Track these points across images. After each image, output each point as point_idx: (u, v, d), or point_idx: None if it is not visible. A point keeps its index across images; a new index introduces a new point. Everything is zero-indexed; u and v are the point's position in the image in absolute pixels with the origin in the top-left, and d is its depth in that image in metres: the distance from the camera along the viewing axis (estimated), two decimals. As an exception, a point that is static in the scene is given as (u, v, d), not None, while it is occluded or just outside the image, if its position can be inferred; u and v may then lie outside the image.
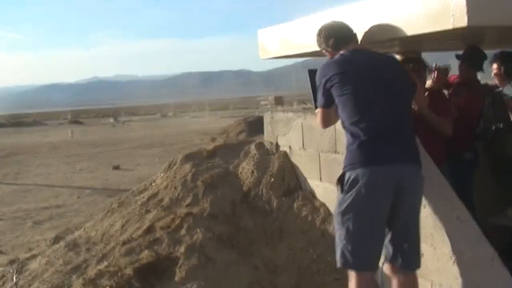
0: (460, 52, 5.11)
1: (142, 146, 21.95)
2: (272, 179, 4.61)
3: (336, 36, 3.52)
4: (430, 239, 3.34)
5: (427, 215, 3.34)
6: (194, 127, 31.00)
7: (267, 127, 5.05)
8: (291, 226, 4.32)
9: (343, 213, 3.18)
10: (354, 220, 3.13)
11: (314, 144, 4.37)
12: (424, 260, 3.36)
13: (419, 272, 3.38)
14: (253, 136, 8.07)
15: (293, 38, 4.53)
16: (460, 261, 3.17)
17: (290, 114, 4.70)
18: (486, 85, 5.27)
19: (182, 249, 4.10)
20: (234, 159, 5.15)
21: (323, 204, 4.32)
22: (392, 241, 3.24)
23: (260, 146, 5.02)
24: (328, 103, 3.39)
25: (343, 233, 3.17)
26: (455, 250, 3.19)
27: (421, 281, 3.40)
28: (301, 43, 4.43)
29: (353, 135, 3.25)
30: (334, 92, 3.29)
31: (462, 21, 3.04)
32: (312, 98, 4.12)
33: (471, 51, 5.05)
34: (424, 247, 3.35)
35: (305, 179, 4.53)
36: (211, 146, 5.54)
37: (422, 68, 4.59)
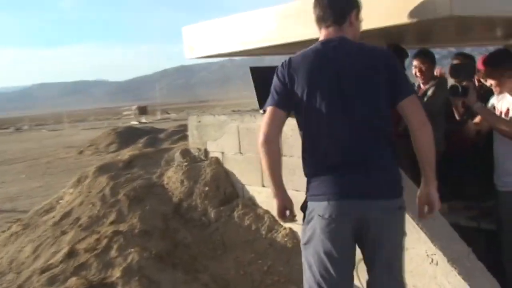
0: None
1: (2, 162, 20.17)
2: (206, 188, 4.25)
3: (317, 8, 2.73)
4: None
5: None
6: (55, 140, 29.17)
7: (192, 132, 4.67)
8: (234, 237, 3.98)
9: (304, 246, 2.76)
10: (313, 254, 2.69)
11: (254, 147, 4.07)
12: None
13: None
14: (124, 147, 7.61)
15: (226, 35, 4.23)
16: (436, 261, 3.06)
17: (223, 117, 4.37)
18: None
19: (117, 272, 3.60)
20: (155, 168, 4.72)
21: (268, 212, 4.04)
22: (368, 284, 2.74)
23: (186, 153, 4.63)
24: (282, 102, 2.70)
25: (305, 266, 2.77)
26: (430, 249, 3.07)
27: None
28: (235, 40, 4.14)
29: (305, 161, 2.81)
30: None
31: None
32: (256, 98, 3.85)
33: (392, 49, 5.07)
34: (395, 249, 3.21)
35: (243, 186, 4.23)
36: (125, 156, 5.04)
37: None
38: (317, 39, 2.73)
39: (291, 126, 3.60)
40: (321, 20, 2.73)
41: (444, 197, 2.84)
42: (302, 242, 2.78)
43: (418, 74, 5.42)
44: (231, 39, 4.24)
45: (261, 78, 3.88)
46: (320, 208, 2.65)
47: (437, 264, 3.06)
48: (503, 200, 3.76)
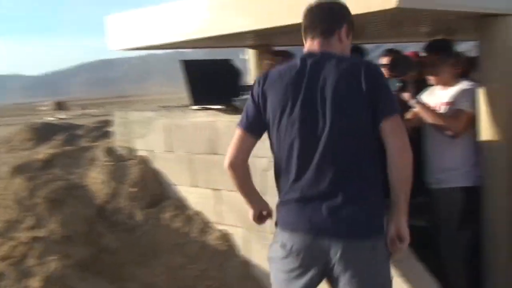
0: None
1: None
2: (133, 189, 3.99)
3: (306, 18, 2.47)
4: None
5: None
6: (-35, 138, 27.52)
7: (118, 129, 4.39)
8: (164, 240, 3.75)
9: (269, 260, 2.55)
10: (273, 275, 2.50)
11: (185, 145, 3.87)
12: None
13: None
14: (40, 144, 7.23)
15: (156, 26, 3.98)
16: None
17: (149, 114, 4.12)
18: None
19: (36, 282, 3.29)
20: (76, 168, 4.40)
21: (199, 213, 3.84)
22: None
23: (110, 151, 4.34)
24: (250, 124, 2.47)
25: (271, 277, 2.55)
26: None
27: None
28: (165, 32, 3.91)
29: (277, 183, 2.58)
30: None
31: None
32: (188, 92, 3.64)
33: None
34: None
35: (172, 186, 4.00)
36: (43, 154, 4.67)
37: None
38: (255, 31, 2.57)
39: (225, 123, 3.45)
40: (307, 30, 2.47)
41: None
42: (268, 254, 2.56)
43: None
44: (161, 30, 4.00)
45: (194, 72, 3.68)
46: (282, 236, 2.43)
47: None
48: (438, 197, 3.76)
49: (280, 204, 2.49)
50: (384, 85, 2.36)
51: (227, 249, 3.63)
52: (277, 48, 4.83)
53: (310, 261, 2.35)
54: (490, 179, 3.72)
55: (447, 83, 3.87)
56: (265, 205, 2.70)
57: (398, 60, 4.32)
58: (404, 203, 2.31)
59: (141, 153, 4.20)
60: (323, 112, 2.31)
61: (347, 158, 2.30)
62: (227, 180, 3.59)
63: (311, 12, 2.45)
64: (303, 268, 2.37)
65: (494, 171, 3.68)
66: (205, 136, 3.72)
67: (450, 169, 3.69)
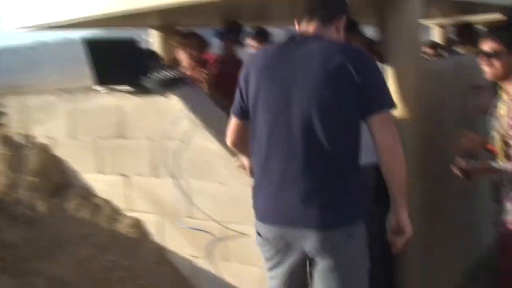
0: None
1: None
2: (33, 178, 3.71)
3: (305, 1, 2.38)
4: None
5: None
6: None
7: (13, 115, 4.06)
8: (70, 232, 3.52)
9: None
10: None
11: (90, 131, 3.65)
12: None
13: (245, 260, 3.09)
14: None
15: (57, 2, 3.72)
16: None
17: (50, 98, 3.85)
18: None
19: None
20: (-33, 159, 4.03)
21: (108, 201, 3.65)
22: None
23: (6, 140, 4.01)
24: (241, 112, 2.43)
25: None
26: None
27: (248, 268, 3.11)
28: (68, 9, 3.67)
29: (254, 167, 2.48)
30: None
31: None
32: (92, 73, 3.43)
33: (229, 26, 4.92)
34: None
35: (77, 174, 3.77)
36: None
37: None
38: (180, 8, 2.43)
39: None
40: (305, 13, 2.34)
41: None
42: None
43: None
44: (56, 8, 3.76)
45: (97, 51, 3.47)
46: (257, 224, 2.42)
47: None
48: None
49: (253, 189, 2.44)
50: (377, 77, 2.24)
51: (139, 236, 3.48)
52: (185, 30, 4.69)
53: (286, 250, 2.32)
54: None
55: None
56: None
57: None
58: (400, 197, 2.27)
59: (41, 140, 3.91)
60: (298, 96, 2.19)
61: (319, 145, 2.19)
62: (137, 165, 3.48)
63: None
64: (280, 257, 2.36)
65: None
66: (112, 120, 3.54)
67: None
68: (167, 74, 3.33)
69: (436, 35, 10.25)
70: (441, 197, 4.29)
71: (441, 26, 10.14)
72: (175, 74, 3.37)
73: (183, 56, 4.35)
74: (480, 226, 5.10)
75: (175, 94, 3.27)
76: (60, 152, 3.82)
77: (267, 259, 2.41)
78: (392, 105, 2.25)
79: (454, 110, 4.64)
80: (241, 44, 5.05)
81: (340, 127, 2.21)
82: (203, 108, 3.29)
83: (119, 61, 3.48)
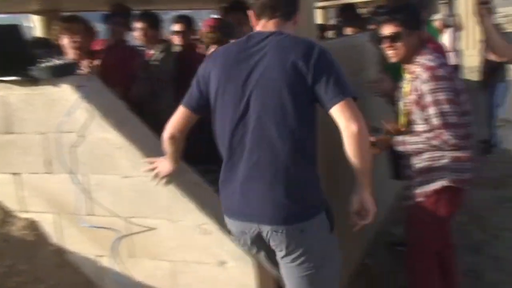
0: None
1: None
2: None
3: None
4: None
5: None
6: None
7: None
8: (-44, 239, 3.20)
9: None
10: None
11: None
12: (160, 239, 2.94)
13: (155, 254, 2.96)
14: None
15: None
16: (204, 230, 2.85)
17: None
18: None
19: None
20: None
21: (-3, 202, 3.34)
22: None
23: None
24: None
25: None
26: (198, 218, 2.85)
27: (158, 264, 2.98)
28: None
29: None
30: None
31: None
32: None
33: (115, 9, 4.71)
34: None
35: (-41, 175, 3.42)
36: None
37: None
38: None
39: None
40: (265, 10, 2.41)
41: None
42: None
43: (142, 37, 5.16)
44: None
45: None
46: (225, 219, 2.59)
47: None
48: None
49: (220, 185, 2.52)
50: (331, 69, 2.30)
51: (35, 239, 3.22)
52: (68, 15, 4.40)
53: (253, 244, 2.46)
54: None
55: None
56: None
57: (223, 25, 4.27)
58: (363, 178, 2.33)
59: None
60: (256, 92, 2.29)
61: (277, 141, 2.28)
62: (28, 162, 3.21)
63: None
64: (253, 249, 2.52)
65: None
66: (-4, 113, 3.23)
67: None
68: (56, 61, 3.08)
69: (318, 18, 10.48)
70: (338, 180, 4.38)
71: (323, 8, 10.38)
72: (65, 61, 3.13)
73: (66, 43, 4.09)
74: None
75: (67, 83, 3.02)
76: None
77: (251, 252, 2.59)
78: (352, 92, 2.30)
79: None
80: (129, 28, 4.84)
81: (298, 125, 2.29)
82: (99, 97, 3.08)
83: (1, 49, 3.18)
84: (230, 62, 2.38)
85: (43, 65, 3.05)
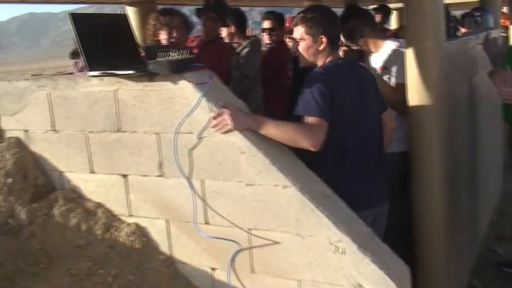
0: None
1: None
2: (9, 180, 3.13)
3: (335, 27, 3.10)
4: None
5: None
6: None
7: (-26, 105, 3.43)
8: (60, 242, 2.99)
9: None
10: None
11: (76, 122, 3.10)
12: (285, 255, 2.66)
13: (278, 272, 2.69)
14: None
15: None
16: (338, 248, 2.57)
17: (24, 83, 3.24)
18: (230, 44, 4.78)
19: None
20: None
21: (101, 205, 3.12)
22: None
23: (-31, 133, 3.39)
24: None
25: None
26: (332, 235, 2.57)
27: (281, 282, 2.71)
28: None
29: None
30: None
31: None
32: (80, 50, 2.87)
33: (211, 2, 4.47)
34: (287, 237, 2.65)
35: (61, 174, 3.22)
36: None
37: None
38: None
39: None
40: (337, 40, 3.16)
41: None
42: None
43: (229, 35, 4.98)
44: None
45: (85, 29, 2.91)
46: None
47: (337, 252, 2.57)
48: None
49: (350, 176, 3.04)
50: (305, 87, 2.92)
51: (143, 246, 2.98)
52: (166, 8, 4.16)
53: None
54: (419, 146, 3.55)
55: (374, 47, 3.78)
56: None
57: (354, 27, 4.04)
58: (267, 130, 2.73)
59: (12, 133, 3.32)
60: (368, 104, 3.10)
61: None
62: (138, 163, 2.97)
63: (339, 23, 3.14)
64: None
65: (425, 133, 3.53)
66: (104, 109, 3.01)
67: None
68: (174, 55, 2.83)
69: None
70: (460, 186, 4.09)
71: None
72: (184, 56, 2.88)
73: (164, 38, 3.87)
74: (479, 214, 4.93)
75: (186, 79, 2.78)
76: (38, 148, 3.25)
77: None
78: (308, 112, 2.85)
79: (463, 94, 4.40)
80: (222, 24, 4.61)
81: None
82: (220, 96, 2.82)
83: (113, 40, 2.96)
84: (351, 82, 3.06)
85: (160, 59, 2.81)
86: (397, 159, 3.72)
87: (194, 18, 4.46)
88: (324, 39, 3.01)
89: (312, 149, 2.75)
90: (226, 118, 2.64)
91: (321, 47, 3.03)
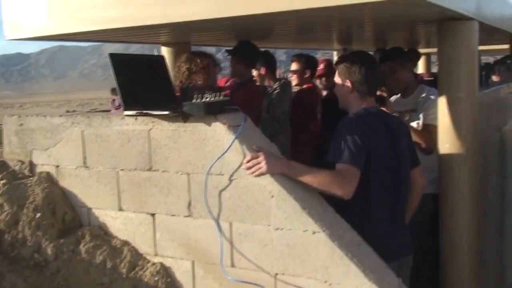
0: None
1: None
2: (37, 214, 3.15)
3: (372, 76, 3.04)
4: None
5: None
6: None
7: (10, 138, 3.48)
8: (84, 279, 2.99)
9: None
10: None
11: (108, 159, 3.13)
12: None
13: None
14: None
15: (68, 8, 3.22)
16: (367, 298, 2.52)
17: (58, 119, 3.30)
18: (264, 87, 4.81)
19: None
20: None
21: (127, 243, 3.12)
22: None
23: (2, 167, 3.44)
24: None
25: None
26: (360, 285, 2.52)
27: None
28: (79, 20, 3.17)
29: None
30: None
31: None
32: (118, 91, 2.92)
33: (240, 45, 4.52)
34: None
35: (90, 210, 3.23)
36: None
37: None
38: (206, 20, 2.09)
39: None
40: (374, 88, 3.12)
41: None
42: None
43: (260, 77, 5.03)
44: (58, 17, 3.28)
45: (124, 68, 2.97)
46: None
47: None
48: None
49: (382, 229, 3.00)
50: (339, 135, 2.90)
51: (167, 286, 2.96)
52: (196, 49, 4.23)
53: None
54: (451, 191, 3.52)
55: (407, 90, 3.78)
56: None
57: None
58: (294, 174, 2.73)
59: (44, 168, 3.36)
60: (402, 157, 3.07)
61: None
62: (167, 202, 2.98)
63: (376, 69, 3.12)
64: None
65: (455, 183, 3.50)
66: (136, 148, 3.03)
67: None
68: (210, 97, 2.87)
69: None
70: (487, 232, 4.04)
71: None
72: (218, 98, 2.91)
73: (198, 79, 3.90)
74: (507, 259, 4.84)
75: (219, 121, 2.80)
76: (68, 183, 3.28)
77: None
78: (344, 159, 2.80)
79: (494, 143, 4.36)
80: (253, 66, 4.65)
81: None
82: (252, 138, 2.83)
83: (149, 81, 3.00)
84: (386, 132, 3.04)
85: (195, 101, 2.84)
86: (430, 201, 3.69)
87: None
88: (348, 83, 3.01)
89: (345, 198, 2.71)
90: (261, 161, 2.63)
91: (348, 92, 3.02)
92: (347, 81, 3.00)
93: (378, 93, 3.71)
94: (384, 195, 2.98)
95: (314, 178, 2.69)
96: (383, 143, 2.96)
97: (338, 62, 3.13)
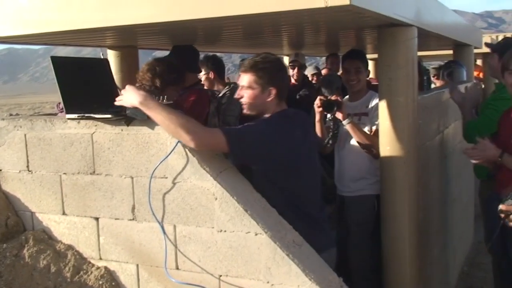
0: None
1: None
2: (-22, 219, 3.11)
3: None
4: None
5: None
6: None
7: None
8: (28, 284, 2.96)
9: None
10: None
11: (51, 163, 3.10)
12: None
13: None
14: None
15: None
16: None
17: (0, 123, 3.26)
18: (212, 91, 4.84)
19: None
20: None
21: (71, 247, 3.10)
22: None
23: None
24: None
25: None
26: (301, 284, 2.58)
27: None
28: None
29: None
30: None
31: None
32: (60, 96, 2.91)
33: (173, 50, 4.53)
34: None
35: (33, 214, 3.19)
36: None
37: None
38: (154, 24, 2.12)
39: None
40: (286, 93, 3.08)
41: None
42: None
43: (207, 81, 5.06)
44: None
45: (66, 72, 2.97)
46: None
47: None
48: (349, 204, 4.02)
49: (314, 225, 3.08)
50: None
51: (112, 290, 2.97)
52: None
53: None
54: (391, 190, 3.64)
55: (359, 93, 3.94)
56: None
57: (333, 77, 4.37)
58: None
59: (-16, 173, 3.31)
60: None
61: None
62: (110, 206, 2.98)
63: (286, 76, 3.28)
64: None
65: (395, 183, 3.63)
66: (79, 151, 3.02)
67: (363, 178, 3.91)
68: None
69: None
70: (430, 236, 4.16)
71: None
72: (162, 101, 2.93)
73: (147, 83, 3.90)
74: (450, 265, 4.99)
75: (163, 125, 2.81)
76: (12, 187, 3.24)
77: None
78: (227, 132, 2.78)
79: (435, 146, 4.50)
80: (194, 69, 4.64)
81: None
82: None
83: (92, 84, 3.00)
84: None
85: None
86: (373, 201, 3.86)
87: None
88: (273, 91, 2.97)
89: (190, 144, 2.66)
90: (123, 93, 2.77)
91: (269, 99, 2.98)
92: (272, 88, 2.96)
93: (333, 97, 3.78)
94: (307, 194, 3.09)
95: (167, 115, 2.64)
96: (296, 146, 2.97)
97: (257, 67, 3.00)
